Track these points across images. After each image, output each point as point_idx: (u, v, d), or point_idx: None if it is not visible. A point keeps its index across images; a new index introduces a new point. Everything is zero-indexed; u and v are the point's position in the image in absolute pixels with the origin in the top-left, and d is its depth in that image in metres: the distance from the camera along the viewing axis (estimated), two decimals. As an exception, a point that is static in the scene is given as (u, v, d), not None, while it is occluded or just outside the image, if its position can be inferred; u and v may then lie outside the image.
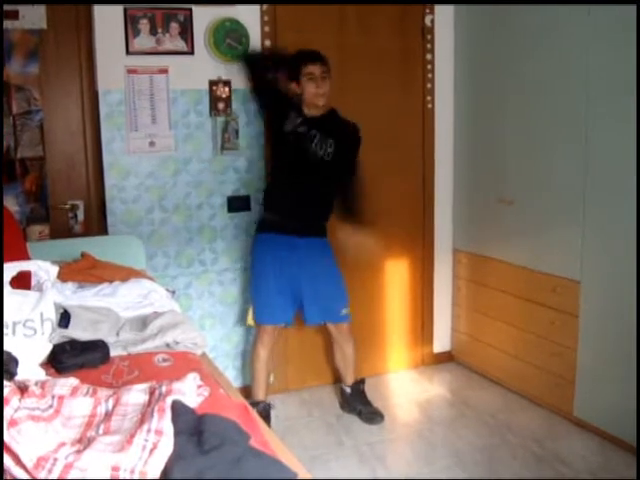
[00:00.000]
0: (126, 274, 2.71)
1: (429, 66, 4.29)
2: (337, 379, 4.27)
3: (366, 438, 3.64)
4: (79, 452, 1.24)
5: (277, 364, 4.13)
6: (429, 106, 4.32)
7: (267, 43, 3.83)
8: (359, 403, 3.87)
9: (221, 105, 3.78)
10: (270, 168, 3.80)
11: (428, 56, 4.27)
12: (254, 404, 3.68)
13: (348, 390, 3.93)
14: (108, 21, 3.52)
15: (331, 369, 4.26)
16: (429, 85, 4.30)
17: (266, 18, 3.82)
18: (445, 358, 4.67)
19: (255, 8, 3.80)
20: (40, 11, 3.45)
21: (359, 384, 3.92)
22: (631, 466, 3.15)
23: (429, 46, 4.27)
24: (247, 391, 3.86)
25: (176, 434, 1.30)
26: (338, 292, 3.70)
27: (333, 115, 3.59)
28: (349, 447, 3.55)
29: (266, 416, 3.67)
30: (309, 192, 3.54)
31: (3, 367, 1.48)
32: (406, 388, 3.99)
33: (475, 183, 4.30)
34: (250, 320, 3.73)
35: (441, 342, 4.67)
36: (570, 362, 3.60)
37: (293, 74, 3.50)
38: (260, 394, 3.73)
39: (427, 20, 4.23)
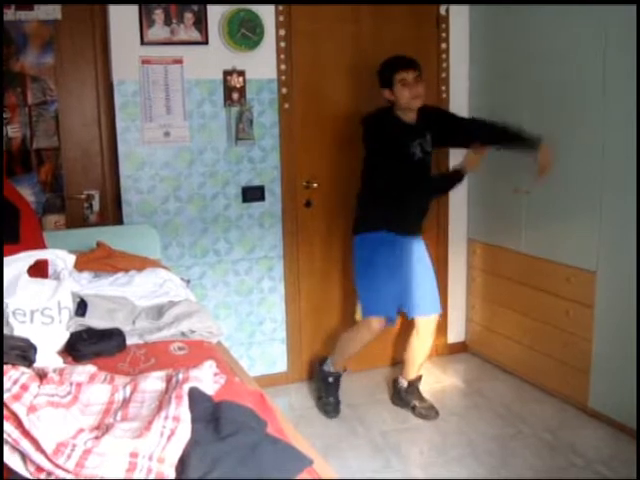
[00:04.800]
0: (141, 263, 2.73)
1: (444, 55, 4.27)
2: (354, 369, 4.29)
3: (380, 428, 3.65)
4: (97, 438, 1.25)
5: (290, 354, 4.16)
6: (444, 96, 4.30)
7: (282, 32, 3.83)
8: (414, 398, 3.83)
9: (235, 95, 3.78)
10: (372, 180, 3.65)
11: (443, 45, 4.25)
12: (333, 373, 3.85)
13: (405, 384, 3.88)
14: (123, 12, 3.52)
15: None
16: (444, 74, 4.28)
17: (281, 7, 3.82)
18: (459, 348, 4.67)
19: (269, -2, 3.81)
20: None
21: (416, 380, 3.89)
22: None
23: (444, 35, 4.25)
24: (262, 380, 3.87)
25: (193, 421, 1.32)
26: (435, 286, 3.73)
27: (422, 108, 3.56)
28: (363, 436, 3.56)
29: (337, 383, 3.87)
30: (424, 199, 3.67)
31: (3, 365, 1.49)
32: (420, 378, 4.00)
33: (490, 173, 4.27)
34: (358, 315, 3.75)
35: (455, 332, 4.67)
36: (585, 353, 3.58)
37: (385, 82, 3.49)
38: (339, 364, 3.84)
39: (442, 9, 4.21)
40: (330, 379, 3.84)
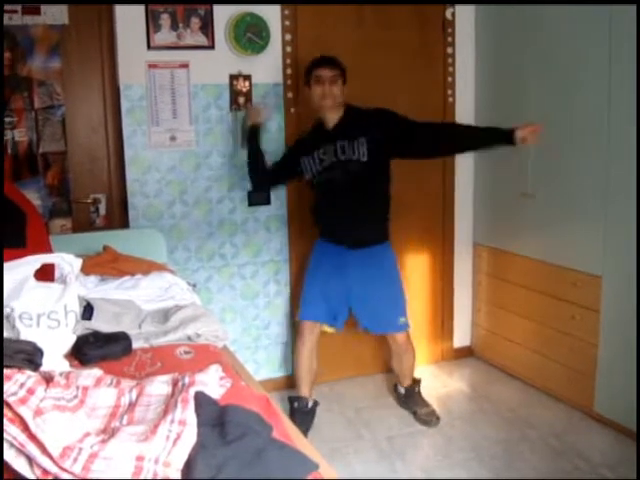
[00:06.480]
0: (147, 267, 2.74)
1: (450, 60, 4.27)
2: (357, 373, 4.29)
3: (385, 432, 3.64)
4: (104, 442, 1.25)
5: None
6: (450, 100, 4.30)
7: (287, 37, 3.84)
8: (414, 404, 3.82)
9: (241, 99, 3.79)
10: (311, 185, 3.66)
11: (449, 49, 4.26)
12: (296, 399, 3.70)
13: (402, 391, 3.89)
14: (129, 16, 3.54)
15: (349, 363, 4.27)
16: (450, 79, 4.28)
17: (286, 12, 3.83)
18: (465, 353, 4.66)
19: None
20: (62, 7, 3.48)
21: (414, 386, 3.87)
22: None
23: (450, 39, 4.25)
24: (267, 384, 3.87)
25: (199, 425, 1.32)
26: (392, 301, 3.62)
27: (352, 112, 3.47)
28: (368, 441, 3.56)
29: (307, 412, 3.67)
30: (354, 207, 3.45)
31: (3, 366, 1.49)
32: (426, 383, 3.99)
33: (496, 177, 4.28)
34: (296, 316, 3.74)
35: (461, 337, 4.66)
36: (590, 357, 3.58)
37: (306, 79, 3.44)
38: (303, 389, 3.70)
39: (447, 13, 4.21)
40: (295, 404, 3.69)
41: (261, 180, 3.70)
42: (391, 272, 3.63)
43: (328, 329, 3.70)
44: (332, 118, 3.45)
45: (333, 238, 3.57)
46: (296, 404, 3.68)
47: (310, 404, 3.70)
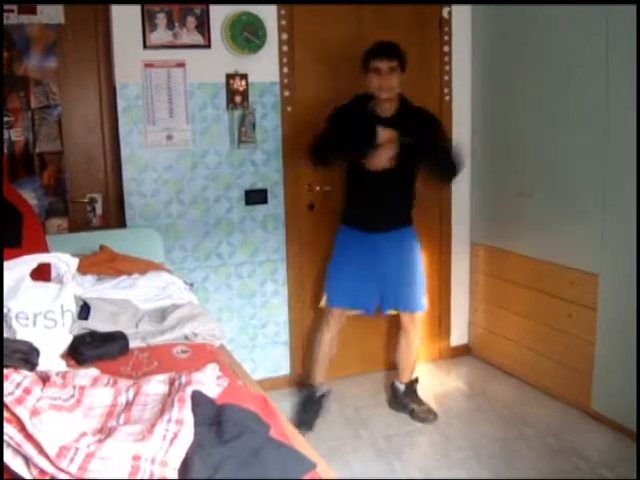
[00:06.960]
0: (144, 267, 2.73)
1: (446, 58, 4.27)
2: (357, 372, 4.28)
3: (383, 431, 3.64)
4: (100, 441, 1.25)
5: (293, 357, 4.16)
6: (446, 98, 4.30)
7: (284, 36, 3.83)
8: (412, 402, 3.82)
9: (238, 98, 3.79)
10: (347, 172, 3.66)
11: (445, 48, 4.26)
12: (309, 387, 3.75)
13: (402, 388, 3.88)
14: (125, 16, 3.53)
15: (348, 362, 4.26)
16: (446, 77, 4.29)
17: (283, 11, 3.82)
18: (462, 351, 4.66)
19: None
20: (57, 6, 3.47)
21: (413, 383, 3.88)
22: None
23: (446, 38, 4.25)
24: (265, 384, 3.86)
25: (196, 424, 1.31)
26: (419, 281, 3.67)
27: (407, 106, 3.50)
28: (366, 439, 3.56)
29: (317, 401, 3.73)
30: (390, 195, 3.50)
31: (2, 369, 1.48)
32: (423, 381, 3.99)
33: (493, 176, 4.28)
34: (322, 303, 3.73)
35: (458, 335, 4.66)
36: (588, 355, 3.58)
37: (364, 67, 3.42)
38: (318, 377, 3.74)
39: (444, 12, 4.21)
40: (305, 393, 3.78)
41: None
42: (417, 253, 3.69)
43: (351, 313, 3.74)
44: (387, 108, 3.46)
45: (363, 223, 3.57)
46: (306, 393, 3.75)
47: (319, 394, 3.74)
